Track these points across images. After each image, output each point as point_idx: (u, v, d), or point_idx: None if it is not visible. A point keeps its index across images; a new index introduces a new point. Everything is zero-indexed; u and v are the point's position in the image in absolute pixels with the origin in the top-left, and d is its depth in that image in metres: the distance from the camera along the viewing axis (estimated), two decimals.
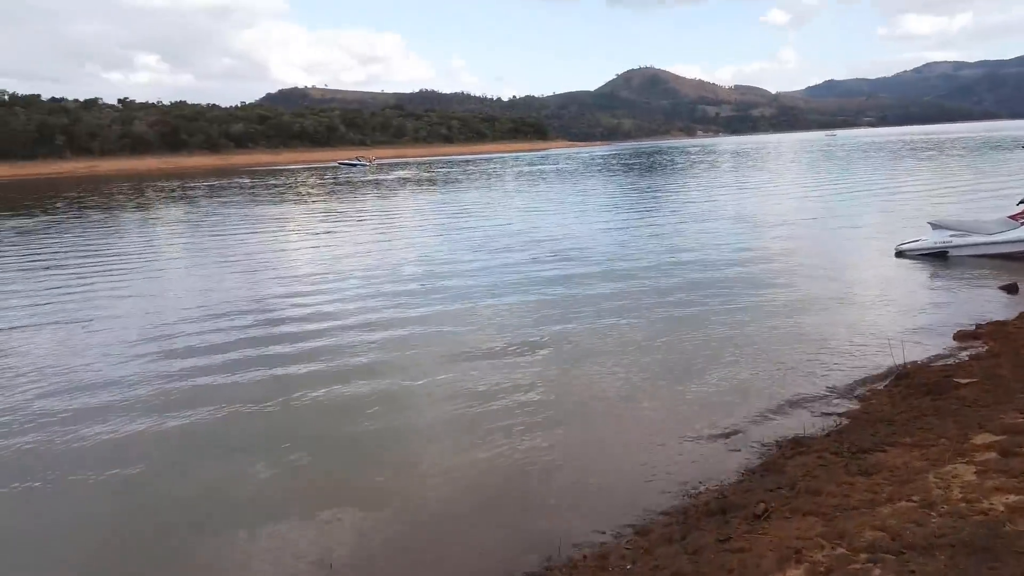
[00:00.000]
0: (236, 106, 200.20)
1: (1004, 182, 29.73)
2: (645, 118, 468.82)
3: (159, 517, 5.61)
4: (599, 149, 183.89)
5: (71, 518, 5.68)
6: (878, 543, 3.64)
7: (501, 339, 9.74)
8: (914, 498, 4.11)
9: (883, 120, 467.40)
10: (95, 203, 43.41)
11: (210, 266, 17.55)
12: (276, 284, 14.56)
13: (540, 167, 75.94)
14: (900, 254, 14.59)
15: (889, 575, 3.33)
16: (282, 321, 11.38)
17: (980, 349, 8.10)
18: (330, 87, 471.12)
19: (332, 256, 18.36)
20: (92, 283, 15.47)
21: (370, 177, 67.77)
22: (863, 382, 7.43)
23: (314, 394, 7.97)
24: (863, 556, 3.55)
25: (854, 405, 6.75)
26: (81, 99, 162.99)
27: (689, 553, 4.12)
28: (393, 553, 4.91)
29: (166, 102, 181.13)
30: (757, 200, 28.76)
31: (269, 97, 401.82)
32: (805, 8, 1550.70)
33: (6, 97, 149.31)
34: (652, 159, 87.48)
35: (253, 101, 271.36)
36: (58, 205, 42.27)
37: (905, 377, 7.11)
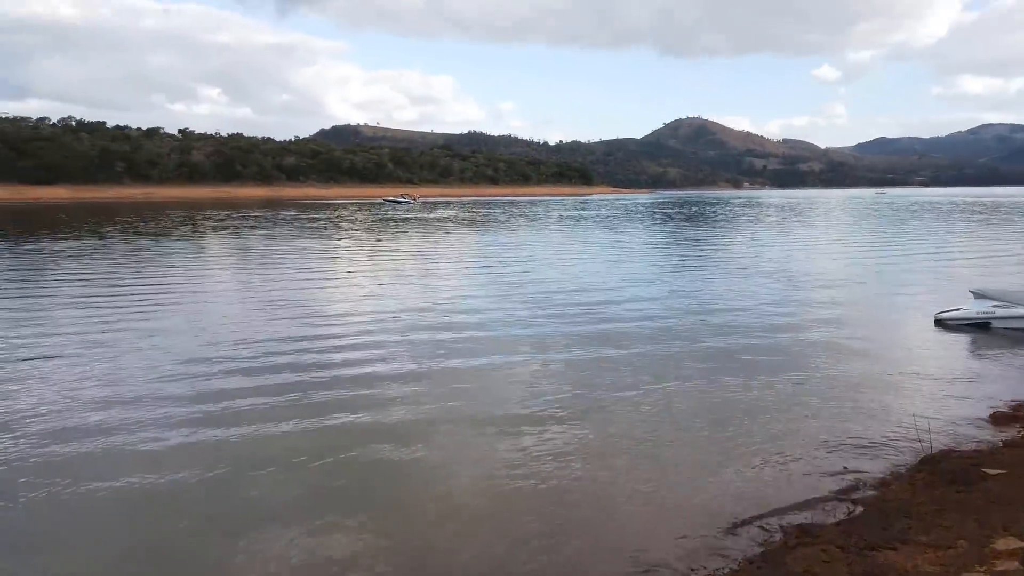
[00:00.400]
0: (290, 140, 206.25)
1: None
2: (691, 168, 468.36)
3: (190, 524, 5.99)
4: (642, 197, 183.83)
5: (107, 522, 6.06)
6: None
7: (529, 399, 9.40)
8: None
9: (935, 180, 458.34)
10: (143, 229, 44.73)
11: (239, 299, 17.74)
12: (292, 321, 14.57)
13: (580, 212, 76.05)
14: (940, 323, 13.99)
15: None
16: (305, 365, 11.20)
17: (1016, 434, 7.59)
18: (382, 125, 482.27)
19: (351, 296, 18.40)
20: (122, 311, 15.73)
21: (412, 215, 68.65)
22: (885, 464, 6.99)
23: (353, 456, 7.72)
24: None
25: (872, 491, 6.32)
26: (144, 128, 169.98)
27: None
28: None
29: (224, 134, 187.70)
30: (800, 257, 28.07)
31: (323, 132, 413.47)
32: (856, 65, 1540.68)
33: (73, 123, 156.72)
34: (695, 209, 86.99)
35: (307, 136, 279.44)
36: (106, 229, 43.68)
37: (930, 462, 6.67)
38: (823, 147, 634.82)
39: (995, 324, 13.46)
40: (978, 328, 13.46)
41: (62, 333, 13.31)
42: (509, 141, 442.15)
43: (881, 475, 6.71)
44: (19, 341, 12.54)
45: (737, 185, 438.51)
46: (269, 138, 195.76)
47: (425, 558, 5.49)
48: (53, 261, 25.79)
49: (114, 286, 19.60)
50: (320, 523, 5.98)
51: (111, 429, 8.09)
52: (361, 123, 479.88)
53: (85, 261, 25.86)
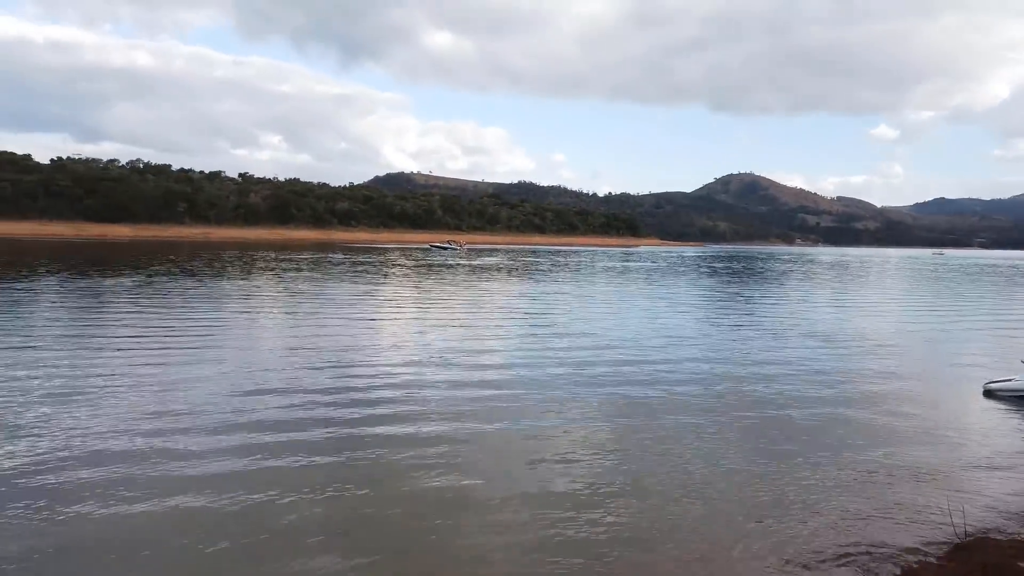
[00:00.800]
0: (344, 186, 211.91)
1: None
2: (742, 222, 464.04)
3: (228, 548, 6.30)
4: (689, 250, 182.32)
5: (149, 544, 6.37)
6: None
7: (562, 465, 9.02)
8: None
9: (996, 242, 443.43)
10: (194, 268, 46.06)
11: (278, 337, 17.91)
12: (321, 363, 14.55)
13: (625, 263, 75.64)
14: (989, 393, 13.20)
15: None
16: (337, 419, 11.18)
17: None
18: (434, 173, 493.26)
19: (382, 341, 18.39)
20: (168, 347, 16.01)
21: (456, 261, 69.28)
22: (915, 548, 6.47)
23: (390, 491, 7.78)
24: None
25: None
26: (207, 171, 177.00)
27: None
28: None
29: (282, 178, 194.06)
30: (849, 318, 27.00)
31: (377, 179, 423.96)
32: (915, 125, 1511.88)
33: (140, 165, 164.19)
34: (743, 264, 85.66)
35: (363, 182, 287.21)
36: (161, 266, 45.15)
37: (964, 550, 6.13)
38: (879, 206, 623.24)
39: None
40: None
41: (110, 364, 13.71)
42: (558, 191, 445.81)
43: (910, 559, 6.20)
44: (75, 371, 12.82)
45: (789, 241, 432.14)
46: (324, 183, 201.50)
47: None
48: (113, 295, 26.61)
49: (162, 322, 20.03)
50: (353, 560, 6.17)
51: (156, 456, 8.47)
52: (414, 171, 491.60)
53: (140, 296, 26.59)
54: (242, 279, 38.46)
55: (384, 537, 6.61)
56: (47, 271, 38.94)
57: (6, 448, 8.66)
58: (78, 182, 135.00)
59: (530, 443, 9.53)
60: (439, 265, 61.27)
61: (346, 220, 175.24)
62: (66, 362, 13.99)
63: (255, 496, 7.33)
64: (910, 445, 9.85)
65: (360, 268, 51.69)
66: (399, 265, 58.82)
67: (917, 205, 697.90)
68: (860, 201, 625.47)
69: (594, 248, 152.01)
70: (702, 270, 67.02)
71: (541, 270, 57.36)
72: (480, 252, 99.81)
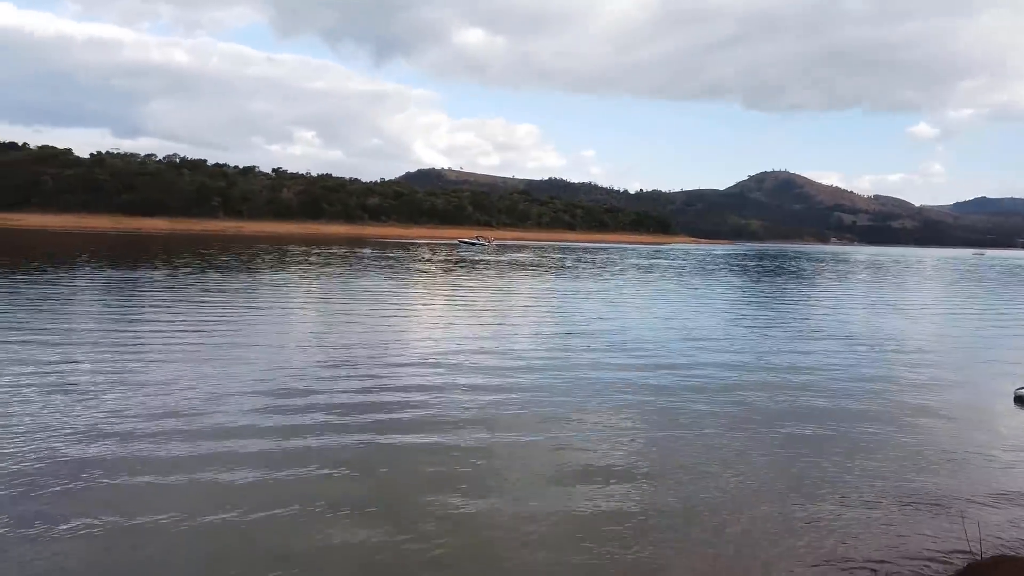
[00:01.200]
0: (375, 181, 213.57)
1: None
2: (775, 220, 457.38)
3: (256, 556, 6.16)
4: (719, 247, 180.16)
5: (175, 552, 6.20)
6: None
7: (594, 457, 8.88)
8: None
9: None
10: (222, 262, 46.64)
11: (300, 332, 17.92)
12: (341, 358, 14.47)
13: (653, 261, 74.86)
14: (1020, 400, 12.60)
15: None
16: (355, 406, 11.10)
17: None
18: (465, 169, 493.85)
19: (400, 336, 18.29)
20: (195, 343, 16.10)
21: (484, 257, 69.24)
22: (927, 566, 6.09)
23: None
24: None
25: None
26: (241, 166, 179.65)
27: None
28: None
29: (315, 173, 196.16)
30: (884, 320, 26.09)
31: (408, 175, 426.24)
32: (955, 123, 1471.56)
33: (176, 160, 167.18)
34: (775, 262, 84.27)
35: (393, 178, 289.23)
36: (192, 259, 45.81)
37: (975, 571, 5.74)
38: (917, 205, 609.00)
39: None
40: None
41: (139, 357, 13.80)
42: (589, 188, 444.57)
43: None
44: (106, 365, 12.96)
45: (824, 240, 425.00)
46: (356, 179, 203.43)
47: None
48: (147, 286, 26.99)
49: (192, 312, 20.22)
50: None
51: (179, 460, 8.28)
52: (446, 167, 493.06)
53: (175, 289, 26.94)
54: (270, 272, 38.81)
55: (412, 552, 6.37)
56: (84, 262, 39.71)
57: (53, 423, 9.04)
58: (116, 176, 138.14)
59: (559, 448, 9.22)
60: (467, 260, 61.27)
61: (377, 215, 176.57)
62: (104, 346, 14.33)
63: (280, 472, 7.59)
64: (927, 453, 9.38)
65: (386, 263, 51.87)
66: (425, 260, 58.94)
67: (957, 204, 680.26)
68: (898, 200, 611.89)
69: (624, 245, 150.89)
70: (732, 268, 66.02)
71: (568, 267, 57.00)
72: (508, 248, 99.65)
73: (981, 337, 22.12)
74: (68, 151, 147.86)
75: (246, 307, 22.84)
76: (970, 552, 6.22)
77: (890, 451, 9.49)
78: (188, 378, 12.20)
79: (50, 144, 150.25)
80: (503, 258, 68.20)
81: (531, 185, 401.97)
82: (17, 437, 8.75)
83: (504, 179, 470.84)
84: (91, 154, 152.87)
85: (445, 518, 6.82)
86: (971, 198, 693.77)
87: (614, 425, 10.25)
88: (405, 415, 10.31)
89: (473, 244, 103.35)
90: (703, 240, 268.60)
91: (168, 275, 33.98)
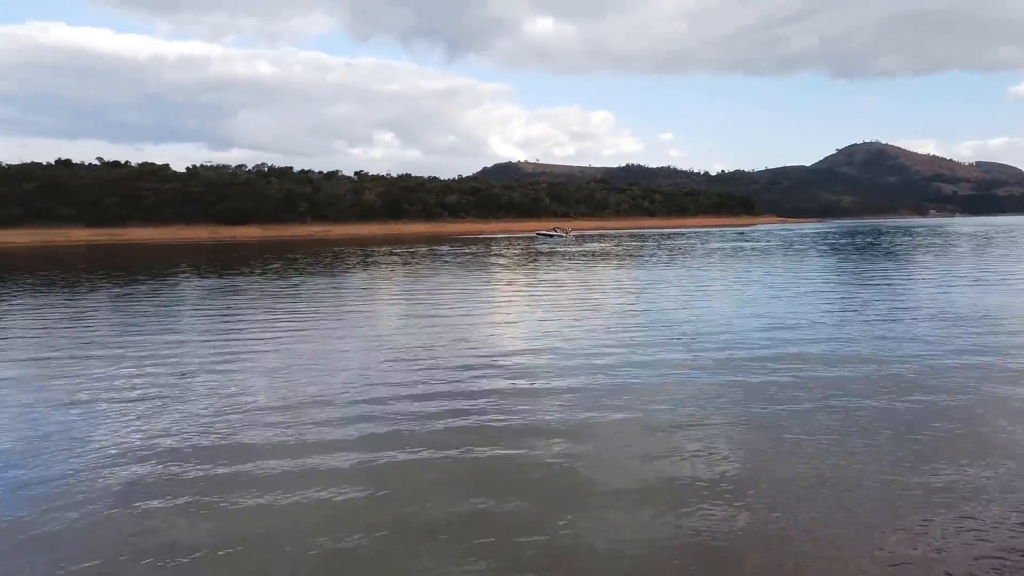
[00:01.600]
0: (453, 179, 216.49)
1: None
2: (868, 195, 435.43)
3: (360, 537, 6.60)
4: (808, 226, 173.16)
5: (284, 532, 6.71)
6: None
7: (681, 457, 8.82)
8: None
9: None
10: (308, 265, 48.43)
11: (385, 327, 18.48)
12: (421, 350, 14.83)
13: (736, 244, 72.75)
14: None
15: None
16: (446, 392, 11.44)
17: None
18: (541, 161, 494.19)
19: (475, 332, 18.52)
20: (281, 338, 16.91)
21: (562, 248, 69.13)
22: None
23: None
24: None
25: None
26: (324, 171, 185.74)
27: None
28: None
29: (394, 174, 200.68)
30: (983, 296, 24.36)
31: (485, 171, 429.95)
32: None
33: (265, 168, 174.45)
34: (868, 239, 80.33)
35: (471, 174, 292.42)
36: (273, 264, 47.78)
37: None
38: None
39: None
40: None
41: (236, 351, 15.11)
42: (668, 172, 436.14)
43: None
44: (205, 358, 13.90)
45: (922, 212, 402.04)
46: (434, 177, 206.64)
47: None
48: (243, 290, 28.47)
49: (281, 314, 21.22)
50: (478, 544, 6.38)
51: (278, 446, 8.94)
52: (522, 160, 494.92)
53: (265, 291, 28.29)
54: (354, 273, 40.06)
55: (508, 532, 6.63)
56: (184, 272, 42.15)
57: (158, 431, 9.72)
58: (210, 188, 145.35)
59: (651, 438, 9.18)
60: (543, 252, 61.34)
61: (455, 212, 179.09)
62: (201, 352, 15.43)
63: (381, 491, 7.61)
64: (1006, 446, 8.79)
65: (462, 259, 52.59)
66: (502, 255, 59.37)
67: None
68: (1002, 165, 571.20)
69: (706, 229, 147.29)
70: (821, 247, 63.38)
71: (646, 254, 56.17)
72: (586, 238, 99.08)
73: None
74: (166, 166, 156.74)
75: (332, 309, 23.67)
76: None
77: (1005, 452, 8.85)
78: (274, 385, 12.58)
79: (150, 161, 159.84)
80: (580, 248, 67.89)
81: (608, 173, 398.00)
82: (115, 445, 9.42)
83: (581, 168, 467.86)
84: (187, 168, 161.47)
85: (538, 542, 6.57)
86: None
87: (707, 430, 9.55)
88: (493, 422, 10.07)
89: (551, 236, 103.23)
90: (790, 219, 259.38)
91: (259, 280, 35.57)
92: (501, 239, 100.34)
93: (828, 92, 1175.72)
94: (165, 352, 15.51)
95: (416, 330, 18.36)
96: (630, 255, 55.56)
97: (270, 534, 6.64)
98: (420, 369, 13.37)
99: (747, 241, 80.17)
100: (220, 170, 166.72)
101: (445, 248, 71.39)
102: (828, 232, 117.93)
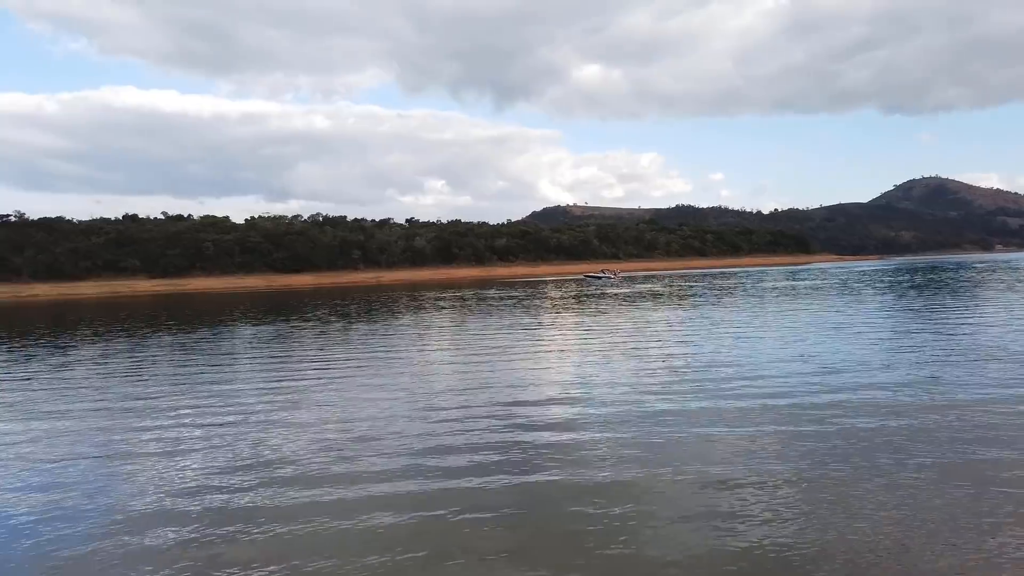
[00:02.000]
0: (501, 223, 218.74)
1: None
2: (928, 230, 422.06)
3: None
4: (865, 264, 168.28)
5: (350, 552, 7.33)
6: None
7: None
8: None
9: None
10: (360, 310, 49.36)
11: (435, 366, 18.72)
12: (467, 389, 14.97)
13: (789, 283, 71.18)
14: None
15: None
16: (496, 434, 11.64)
17: None
18: (590, 204, 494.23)
19: (528, 372, 18.55)
20: (343, 379, 17.33)
21: (610, 290, 68.78)
22: None
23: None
24: None
25: None
26: (377, 219, 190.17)
27: None
28: None
29: (445, 220, 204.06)
30: None
31: (534, 214, 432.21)
32: None
33: (320, 218, 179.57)
34: (928, 276, 77.59)
35: (520, 217, 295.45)
36: (326, 310, 48.82)
37: None
38: None
39: None
40: None
41: (294, 391, 16.23)
42: (719, 212, 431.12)
43: None
44: (272, 397, 14.37)
45: (987, 247, 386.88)
46: (484, 222, 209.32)
47: None
48: (297, 335, 29.29)
49: (335, 357, 21.75)
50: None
51: (333, 504, 8.99)
52: (570, 203, 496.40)
53: (320, 336, 29.02)
54: (403, 317, 40.66)
55: (562, 555, 7.03)
56: (241, 319, 43.49)
57: (218, 466, 10.55)
58: (267, 238, 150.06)
59: (708, 497, 8.83)
60: (590, 294, 61.13)
61: (505, 255, 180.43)
62: (259, 391, 16.67)
63: (433, 514, 8.20)
64: None
65: (510, 301, 52.82)
66: (548, 297, 59.43)
67: None
68: None
69: (760, 268, 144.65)
70: (877, 286, 61.51)
71: (696, 295, 55.44)
72: (635, 280, 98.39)
73: None
74: (226, 218, 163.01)
75: (385, 351, 24.15)
76: None
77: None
78: (328, 424, 13.18)
79: (211, 213, 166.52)
80: (629, 290, 67.43)
81: (658, 214, 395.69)
82: (178, 482, 9.77)
83: (630, 210, 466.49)
84: (245, 219, 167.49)
85: (595, 568, 6.84)
86: None
87: (771, 491, 9.07)
88: (545, 455, 10.45)
89: (599, 278, 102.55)
90: (847, 256, 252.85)
91: (314, 325, 36.44)
92: (549, 281, 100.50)
93: (882, 127, 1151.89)
94: (216, 400, 16.07)
95: (453, 379, 18.55)
96: (680, 295, 54.91)
97: None
98: (456, 419, 13.49)
99: (801, 280, 78.40)
100: (277, 220, 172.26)
101: (493, 291, 71.83)
102: (884, 269, 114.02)
